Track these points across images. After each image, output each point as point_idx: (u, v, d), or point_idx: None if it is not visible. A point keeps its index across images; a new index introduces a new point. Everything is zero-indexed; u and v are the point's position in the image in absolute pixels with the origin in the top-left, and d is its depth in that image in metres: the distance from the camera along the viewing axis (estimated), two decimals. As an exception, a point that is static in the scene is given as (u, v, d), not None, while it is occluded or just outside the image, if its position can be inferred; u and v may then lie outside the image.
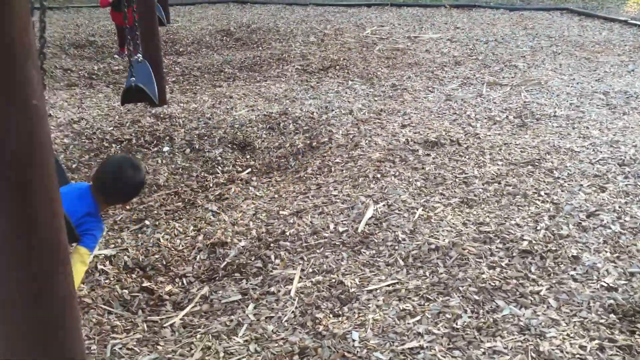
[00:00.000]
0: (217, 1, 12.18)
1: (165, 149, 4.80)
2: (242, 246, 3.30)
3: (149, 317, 2.81)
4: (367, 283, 2.80)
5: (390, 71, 6.71)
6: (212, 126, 5.10)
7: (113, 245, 3.36)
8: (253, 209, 3.73)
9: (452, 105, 5.35)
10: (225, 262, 3.18)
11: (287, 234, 3.34)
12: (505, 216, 3.27)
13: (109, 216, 3.73)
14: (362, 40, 8.39)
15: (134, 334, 2.64)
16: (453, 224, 3.22)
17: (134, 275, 3.13)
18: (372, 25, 9.45)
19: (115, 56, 7.95)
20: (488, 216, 3.29)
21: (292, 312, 2.65)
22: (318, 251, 3.16)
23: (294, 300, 2.74)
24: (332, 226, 3.36)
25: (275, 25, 9.63)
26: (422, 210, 3.39)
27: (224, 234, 3.41)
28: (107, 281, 3.05)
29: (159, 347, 2.51)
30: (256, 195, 3.97)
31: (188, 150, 4.77)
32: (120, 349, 2.51)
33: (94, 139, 4.89)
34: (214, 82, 6.72)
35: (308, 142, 4.77)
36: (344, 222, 3.39)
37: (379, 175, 3.92)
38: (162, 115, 5.32)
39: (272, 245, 3.27)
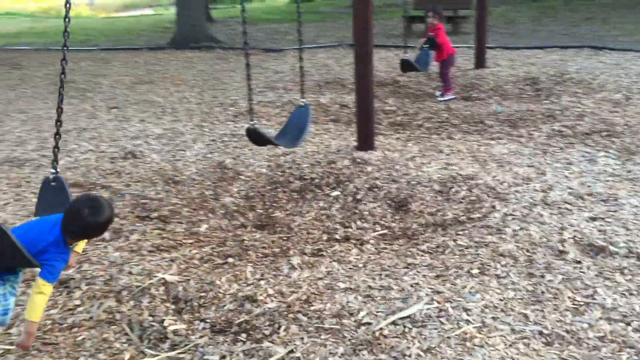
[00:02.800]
0: (570, 46, 11.39)
1: (335, 193, 4.85)
2: (269, 308, 3.18)
3: (140, 348, 2.99)
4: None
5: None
6: (392, 178, 4.92)
7: (181, 272, 3.63)
8: (326, 275, 3.51)
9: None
10: (242, 319, 3.13)
11: (312, 309, 3.08)
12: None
13: (204, 243, 4.01)
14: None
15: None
16: None
17: (172, 307, 3.34)
18: None
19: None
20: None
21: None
22: (322, 338, 2.85)
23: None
24: (360, 314, 2.96)
25: (592, 75, 8.47)
26: None
27: (265, 291, 3.34)
28: (149, 303, 3.34)
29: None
30: (349, 261, 3.72)
31: (350, 198, 4.72)
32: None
33: (285, 173, 5.26)
34: (455, 133, 6.37)
35: (462, 214, 4.19)
36: (363, 320, 2.94)
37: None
38: (359, 160, 5.36)
39: (289, 315, 3.07)
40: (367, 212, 4.45)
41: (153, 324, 3.15)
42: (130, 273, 3.63)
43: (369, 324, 2.95)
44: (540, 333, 2.77)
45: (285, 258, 3.79)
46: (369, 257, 3.75)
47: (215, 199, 4.88)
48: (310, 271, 3.57)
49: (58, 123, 3.06)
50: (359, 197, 4.70)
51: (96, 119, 7.60)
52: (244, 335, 3.03)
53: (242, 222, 4.48)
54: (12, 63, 13.00)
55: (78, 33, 19.06)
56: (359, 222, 4.35)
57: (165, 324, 3.13)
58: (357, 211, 4.50)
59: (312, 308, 3.13)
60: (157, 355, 2.92)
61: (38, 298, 2.61)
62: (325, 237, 4.12)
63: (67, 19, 2.93)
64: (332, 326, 2.96)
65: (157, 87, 9.61)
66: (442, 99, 7.94)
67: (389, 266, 3.54)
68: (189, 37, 14.60)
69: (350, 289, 3.28)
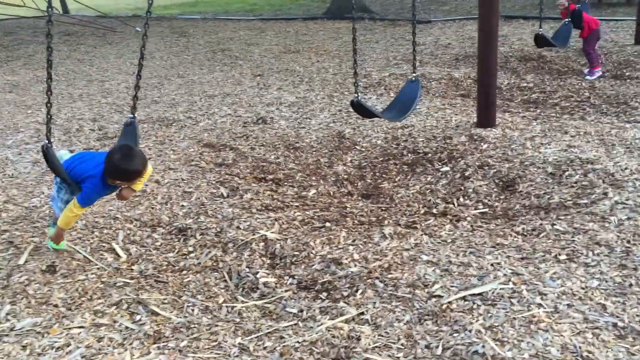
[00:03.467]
0: None
1: (445, 168, 4.89)
2: (352, 272, 3.38)
3: (235, 294, 3.36)
4: None
5: None
6: (505, 157, 4.83)
7: (282, 232, 3.93)
8: (413, 246, 3.63)
9: None
10: (325, 279, 3.36)
11: (389, 277, 3.24)
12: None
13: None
14: None
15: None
16: None
17: (268, 262, 3.67)
18: None
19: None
20: None
21: None
22: (392, 304, 3.00)
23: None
24: (434, 287, 3.06)
25: None
26: None
27: (352, 256, 3.54)
28: (249, 256, 3.69)
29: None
30: (439, 236, 3.79)
31: (458, 175, 4.73)
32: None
33: (399, 145, 5.37)
34: (591, 114, 6.01)
35: (569, 199, 4.04)
36: (435, 292, 3.03)
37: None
38: (475, 137, 5.31)
39: (368, 280, 3.25)
40: (471, 190, 4.45)
41: (249, 274, 3.50)
42: (238, 228, 4.02)
43: (440, 296, 3.03)
44: (615, 325, 2.68)
45: (379, 227, 3.94)
46: (461, 234, 3.78)
47: (329, 166, 5.14)
48: (398, 241, 3.70)
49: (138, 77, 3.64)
50: (467, 174, 4.69)
51: (240, 86, 8.18)
52: (324, 294, 3.26)
53: (349, 190, 4.70)
54: (181, 31, 14.23)
55: (246, 2, 20.26)
56: (461, 199, 4.37)
57: (259, 275, 3.47)
58: (462, 188, 4.52)
59: (389, 276, 3.27)
60: (246, 303, 3.26)
61: (67, 212, 3.30)
62: (423, 210, 4.21)
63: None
64: (404, 295, 3.09)
65: (301, 57, 10.04)
66: (590, 77, 7.46)
67: (476, 244, 3.56)
68: (343, 7, 14.88)
69: (432, 262, 3.37)
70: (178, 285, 3.45)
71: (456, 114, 6.14)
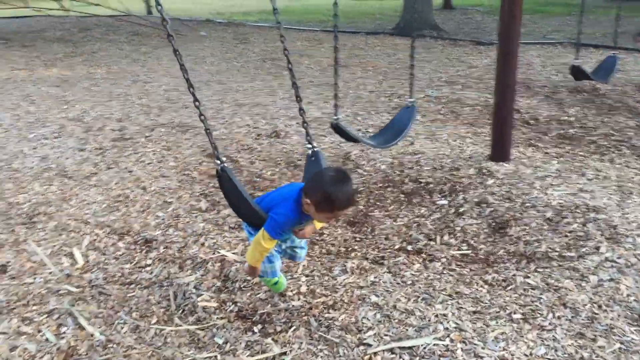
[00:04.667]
0: None
1: (441, 202, 4.59)
2: (293, 306, 3.19)
3: (172, 316, 3.24)
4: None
5: None
6: (507, 196, 4.48)
7: (243, 253, 3.78)
8: (369, 284, 3.39)
9: None
10: (265, 311, 3.19)
11: (327, 316, 3.02)
12: None
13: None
14: None
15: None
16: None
17: (218, 284, 3.53)
18: None
19: None
20: None
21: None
22: (318, 347, 2.79)
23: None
24: (367, 333, 2.81)
25: None
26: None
27: (299, 287, 3.34)
28: (201, 276, 3.57)
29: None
30: (402, 275, 3.52)
31: (452, 210, 4.41)
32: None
33: (403, 173, 5.10)
34: (625, 156, 5.50)
35: (557, 249, 3.67)
36: (365, 340, 2.78)
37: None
38: (485, 171, 4.97)
39: (304, 317, 3.05)
40: (459, 228, 4.13)
41: (192, 296, 3.37)
42: (202, 244, 3.91)
43: (369, 345, 2.79)
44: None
45: (344, 259, 3.72)
46: (427, 276, 3.49)
47: (324, 188, 4.94)
48: (356, 277, 3.46)
49: (298, 98, 3.19)
50: (462, 210, 4.38)
51: (272, 97, 8.12)
52: (259, 326, 3.08)
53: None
54: (243, 38, 14.42)
55: (324, 13, 20.35)
56: (446, 237, 4.06)
57: (200, 299, 3.33)
58: (451, 225, 4.21)
59: (328, 315, 3.06)
60: (179, 326, 3.13)
61: (254, 243, 2.72)
62: (398, 245, 3.93)
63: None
64: (333, 338, 2.87)
65: (346, 72, 9.87)
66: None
67: (434, 289, 3.28)
68: (413, 24, 14.57)
69: (377, 304, 3.13)
70: (120, 300, 3.36)
71: (475, 144, 5.79)
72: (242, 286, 3.45)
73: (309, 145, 3.12)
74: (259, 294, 3.35)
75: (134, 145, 5.95)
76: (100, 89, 8.63)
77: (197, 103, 2.75)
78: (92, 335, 3.00)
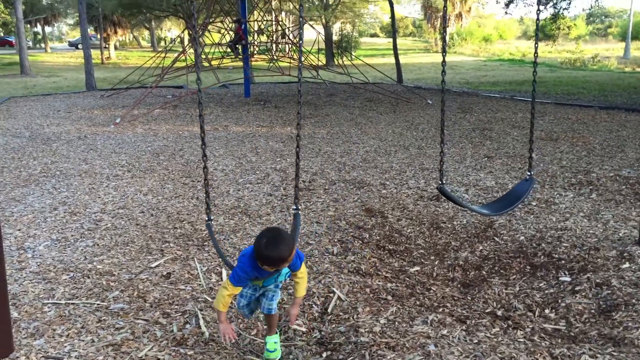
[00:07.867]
0: None
1: (563, 278, 4.56)
2: (361, 341, 3.64)
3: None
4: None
5: None
6: (636, 282, 4.29)
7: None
8: (432, 337, 3.67)
9: None
10: None
11: None
12: None
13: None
14: None
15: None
16: None
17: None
18: None
19: None
20: None
21: None
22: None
23: None
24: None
25: None
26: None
27: (372, 327, 3.77)
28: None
29: None
30: (463, 338, 3.71)
31: (569, 288, 4.38)
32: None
33: (539, 246, 5.13)
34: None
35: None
36: None
37: None
38: (626, 255, 4.76)
39: None
40: (564, 305, 4.12)
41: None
42: (319, 282, 4.54)
43: (400, 382, 3.12)
44: None
45: (432, 312, 4.03)
46: (499, 340, 3.63)
47: (457, 250, 5.23)
48: (431, 329, 3.76)
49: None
50: (578, 288, 4.33)
51: (458, 164, 8.48)
52: (328, 352, 3.59)
53: (454, 276, 4.76)
54: (467, 108, 14.89)
55: (566, 84, 19.82)
56: (547, 311, 4.09)
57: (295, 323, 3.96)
58: (559, 301, 4.20)
59: (381, 352, 3.44)
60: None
61: (219, 290, 3.24)
62: (489, 309, 4.09)
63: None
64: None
65: (550, 145, 9.72)
66: None
67: (493, 352, 3.43)
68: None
69: (430, 353, 3.40)
70: (235, 311, 4.16)
71: (635, 228, 5.47)
72: (332, 319, 4.00)
73: (294, 207, 3.79)
74: (340, 327, 3.87)
75: (310, 194, 6.89)
76: (313, 147, 9.91)
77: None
78: (202, 333, 3.83)
